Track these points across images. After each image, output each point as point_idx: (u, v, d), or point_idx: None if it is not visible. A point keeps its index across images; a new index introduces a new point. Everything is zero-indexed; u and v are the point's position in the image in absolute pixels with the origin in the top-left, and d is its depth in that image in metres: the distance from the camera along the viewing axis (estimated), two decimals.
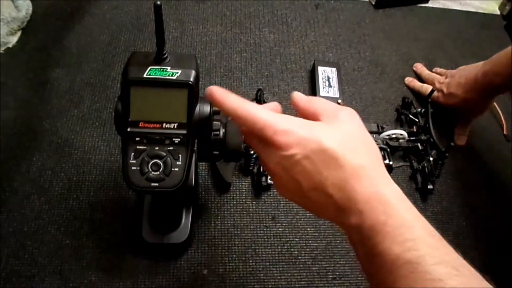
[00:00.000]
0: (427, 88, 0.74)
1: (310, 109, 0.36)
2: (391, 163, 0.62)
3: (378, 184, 0.31)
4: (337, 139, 0.32)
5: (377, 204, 0.30)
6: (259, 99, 0.66)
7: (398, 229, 0.29)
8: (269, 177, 0.60)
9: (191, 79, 0.39)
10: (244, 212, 0.60)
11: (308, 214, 0.61)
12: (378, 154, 0.34)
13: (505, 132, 0.75)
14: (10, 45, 0.72)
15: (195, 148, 0.47)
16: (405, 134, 0.67)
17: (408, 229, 0.29)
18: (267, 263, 0.56)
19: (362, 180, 0.31)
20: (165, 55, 0.39)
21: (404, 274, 0.28)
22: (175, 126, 0.40)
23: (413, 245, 0.29)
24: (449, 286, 0.27)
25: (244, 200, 0.61)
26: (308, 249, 0.58)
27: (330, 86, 0.72)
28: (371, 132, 0.68)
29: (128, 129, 0.40)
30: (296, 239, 0.58)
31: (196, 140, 0.46)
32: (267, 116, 0.33)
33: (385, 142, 0.66)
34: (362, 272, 0.40)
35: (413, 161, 0.67)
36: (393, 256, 0.29)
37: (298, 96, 0.37)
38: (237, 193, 0.61)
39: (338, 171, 0.31)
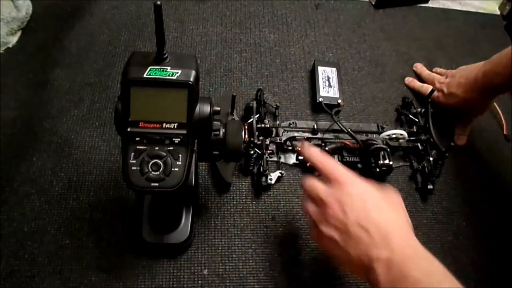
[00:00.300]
0: (427, 88, 0.74)
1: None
2: (391, 163, 0.62)
3: (408, 236, 0.42)
4: (384, 196, 0.44)
5: (406, 245, 0.41)
6: (259, 99, 0.66)
7: (422, 261, 0.39)
8: (269, 178, 0.60)
9: (191, 79, 0.39)
10: (244, 212, 0.60)
11: None
12: (411, 224, 0.44)
13: (505, 132, 0.75)
14: (10, 45, 0.72)
15: (195, 148, 0.47)
16: (405, 134, 0.67)
17: (430, 263, 0.39)
18: (267, 263, 0.56)
19: (397, 229, 0.42)
20: (165, 55, 0.39)
21: None
22: (175, 126, 0.40)
23: (433, 274, 0.38)
24: None
25: (244, 200, 0.61)
26: (308, 249, 0.58)
27: (330, 86, 0.72)
28: (372, 132, 0.69)
29: (128, 129, 0.40)
30: (296, 239, 0.58)
31: (196, 140, 0.46)
32: (339, 165, 0.47)
33: (385, 142, 0.66)
34: None
35: (413, 161, 0.67)
36: (415, 279, 0.37)
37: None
38: (237, 193, 0.61)
39: (381, 215, 0.42)
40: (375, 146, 0.63)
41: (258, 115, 0.64)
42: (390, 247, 0.40)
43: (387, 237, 0.40)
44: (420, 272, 0.38)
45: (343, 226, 0.42)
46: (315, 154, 0.49)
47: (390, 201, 0.44)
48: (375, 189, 0.44)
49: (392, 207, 0.44)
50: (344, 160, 0.65)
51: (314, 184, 0.47)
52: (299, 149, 0.51)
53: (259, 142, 0.61)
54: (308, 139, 0.65)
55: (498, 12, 0.96)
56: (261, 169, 0.60)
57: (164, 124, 0.40)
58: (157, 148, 0.40)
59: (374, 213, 0.42)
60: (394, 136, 0.67)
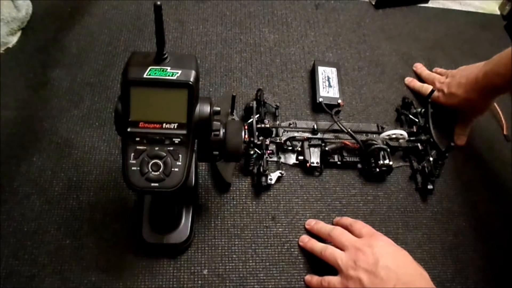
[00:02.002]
0: (427, 88, 0.74)
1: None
2: (391, 163, 0.62)
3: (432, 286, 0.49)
4: (412, 259, 0.52)
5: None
6: (259, 99, 0.66)
7: None
8: (269, 178, 0.60)
9: (191, 79, 0.39)
10: (244, 212, 0.60)
11: (308, 214, 0.61)
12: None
13: (505, 132, 0.75)
14: (10, 45, 0.72)
15: (195, 148, 0.47)
16: (405, 134, 0.67)
17: None
18: (267, 263, 0.56)
19: (423, 281, 0.49)
20: (165, 55, 0.39)
21: None
22: (175, 126, 0.40)
23: None
24: None
25: (244, 200, 0.61)
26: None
27: (330, 86, 0.72)
28: (372, 132, 0.69)
29: (128, 129, 0.40)
30: (296, 239, 0.58)
31: (196, 140, 0.46)
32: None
33: (385, 142, 0.66)
34: None
35: (413, 161, 0.67)
36: None
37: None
38: (237, 193, 0.61)
39: (410, 265, 0.50)
40: (375, 146, 0.63)
41: (258, 115, 0.64)
42: (414, 283, 0.47)
43: (413, 279, 0.47)
44: None
45: (373, 268, 0.47)
46: (345, 219, 0.58)
47: (414, 262, 0.51)
48: (401, 248, 0.52)
49: (418, 265, 0.51)
50: (344, 160, 0.65)
51: (345, 231, 0.54)
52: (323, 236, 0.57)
53: (259, 142, 0.61)
54: (308, 139, 0.65)
55: (498, 12, 0.96)
56: (261, 169, 0.60)
57: (164, 124, 0.40)
58: (157, 148, 0.40)
59: (402, 260, 0.50)
60: (394, 136, 0.67)
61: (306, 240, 0.57)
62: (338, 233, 0.54)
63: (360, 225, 0.55)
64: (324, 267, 0.54)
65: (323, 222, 0.58)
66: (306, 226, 0.59)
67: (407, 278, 0.47)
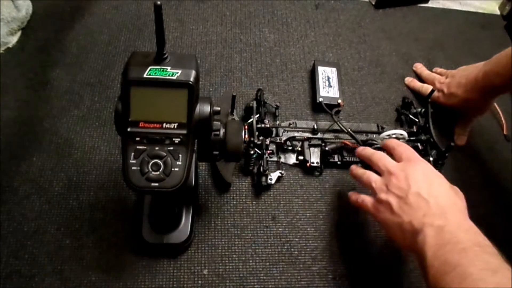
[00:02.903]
0: (427, 88, 0.74)
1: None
2: None
3: (465, 216, 0.45)
4: (447, 183, 0.49)
5: (462, 221, 0.44)
6: (259, 99, 0.66)
7: (475, 234, 0.42)
8: (269, 178, 0.60)
9: (191, 79, 0.39)
10: (244, 212, 0.60)
11: (308, 214, 0.61)
12: (466, 208, 0.48)
13: (505, 132, 0.75)
14: (10, 45, 0.72)
15: (195, 148, 0.47)
16: (405, 134, 0.67)
17: (482, 238, 0.42)
18: (267, 263, 0.56)
19: (456, 208, 0.45)
20: (165, 55, 0.39)
21: (470, 256, 0.38)
22: (175, 126, 0.40)
23: (483, 246, 0.40)
24: (503, 274, 0.37)
25: (244, 200, 0.61)
26: (308, 249, 0.58)
27: (330, 86, 0.72)
28: (372, 132, 0.69)
29: (128, 129, 0.40)
30: (296, 239, 0.58)
31: (196, 140, 0.46)
32: (408, 147, 0.55)
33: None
34: (362, 272, 0.52)
35: None
36: (466, 246, 0.39)
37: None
38: (237, 193, 0.61)
39: (443, 192, 0.47)
40: (375, 146, 0.63)
41: (258, 115, 0.64)
42: (445, 218, 0.43)
43: (444, 211, 0.44)
44: (470, 240, 0.40)
45: (403, 194, 0.46)
46: (389, 142, 0.56)
47: (453, 187, 0.49)
48: (439, 173, 0.49)
49: (454, 192, 0.48)
50: (344, 160, 0.65)
51: (384, 156, 0.53)
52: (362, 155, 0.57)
53: (259, 142, 0.61)
54: (308, 139, 0.65)
55: (498, 12, 0.96)
56: (261, 169, 0.60)
57: (164, 124, 0.40)
58: (157, 148, 0.40)
59: (436, 190, 0.46)
60: (394, 136, 0.67)
61: (354, 167, 0.57)
62: (377, 157, 0.53)
63: (402, 149, 0.53)
64: (327, 267, 0.54)
65: (369, 148, 0.58)
66: (356, 153, 0.60)
67: (437, 210, 0.44)
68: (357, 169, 0.56)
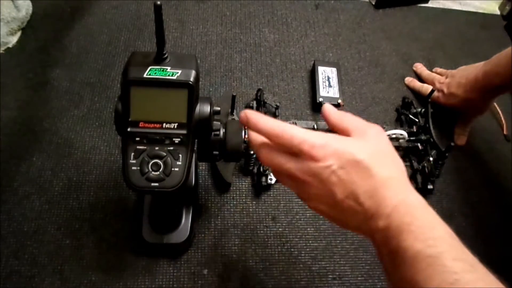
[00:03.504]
0: (427, 88, 0.74)
1: (341, 125, 0.39)
2: None
3: (404, 192, 0.36)
4: (368, 153, 0.36)
5: (404, 209, 0.34)
6: (259, 99, 0.66)
7: (421, 229, 0.33)
8: (269, 178, 0.60)
9: (191, 79, 0.39)
10: (244, 212, 0.60)
11: (308, 214, 0.61)
12: (403, 168, 0.38)
13: (505, 132, 0.75)
14: (10, 45, 0.72)
15: (195, 148, 0.47)
16: (405, 134, 0.67)
17: (430, 229, 0.34)
18: (267, 263, 0.56)
19: (390, 189, 0.35)
20: (165, 55, 0.39)
21: (424, 267, 0.31)
22: (175, 126, 0.40)
23: (434, 243, 0.32)
24: (464, 279, 0.31)
25: (244, 200, 0.61)
26: (308, 249, 0.58)
27: (330, 86, 0.72)
28: None
29: (128, 129, 0.40)
30: (296, 239, 0.58)
31: (196, 140, 0.46)
32: (303, 133, 0.37)
33: None
34: (362, 272, 0.50)
35: (413, 161, 0.67)
36: (415, 251, 0.32)
37: (330, 110, 0.40)
38: (237, 193, 0.61)
39: (370, 180, 0.35)
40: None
41: None
42: (386, 213, 0.34)
43: (382, 204, 0.35)
44: (418, 240, 0.33)
45: (332, 202, 0.37)
46: (263, 121, 0.38)
47: (374, 154, 0.36)
48: (354, 147, 0.36)
49: (379, 161, 0.36)
50: None
51: (279, 160, 0.38)
52: (241, 120, 0.39)
53: None
54: None
55: (498, 12, 0.96)
56: (261, 169, 0.60)
57: (164, 124, 0.40)
58: (157, 148, 0.40)
59: (361, 181, 0.35)
60: (394, 136, 0.67)
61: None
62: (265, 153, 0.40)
63: (288, 141, 0.38)
64: (327, 267, 0.54)
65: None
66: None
67: (374, 208, 0.35)
68: (271, 158, 0.40)
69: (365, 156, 0.36)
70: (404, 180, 0.37)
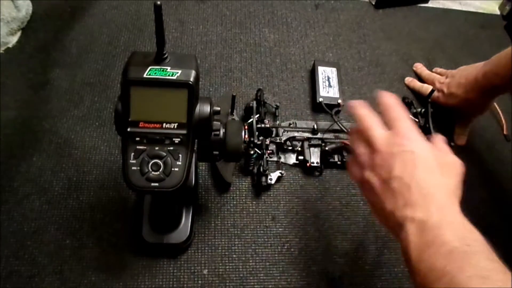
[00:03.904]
0: (427, 88, 0.74)
1: (439, 145, 0.44)
2: None
3: (451, 203, 0.39)
4: (440, 161, 0.41)
5: (446, 211, 0.37)
6: (259, 99, 0.66)
7: (460, 230, 0.36)
8: (269, 178, 0.60)
9: (191, 79, 0.39)
10: (244, 212, 0.60)
11: (308, 214, 0.61)
12: (460, 193, 0.41)
13: (505, 132, 0.75)
14: (10, 45, 0.72)
15: (195, 148, 0.47)
16: None
17: (469, 232, 0.36)
18: (267, 263, 0.56)
19: (442, 194, 0.38)
20: (165, 55, 0.39)
21: (458, 260, 0.34)
22: (175, 126, 0.40)
23: (471, 243, 0.35)
24: (495, 277, 0.32)
25: (244, 200, 0.61)
26: (308, 249, 0.58)
27: (330, 86, 0.72)
28: None
29: (128, 129, 0.40)
30: (296, 239, 0.58)
31: (196, 140, 0.46)
32: (407, 116, 0.44)
33: None
34: (362, 272, 0.51)
35: None
36: (452, 246, 0.34)
37: (439, 139, 0.45)
38: (237, 193, 0.61)
39: (429, 177, 0.39)
40: None
41: (258, 115, 0.64)
42: (427, 209, 0.37)
43: (427, 199, 0.38)
44: (456, 238, 0.35)
45: (386, 177, 0.40)
46: (386, 97, 0.46)
47: (444, 164, 0.41)
48: (432, 149, 0.42)
49: (444, 170, 0.40)
50: (344, 160, 0.65)
51: (371, 124, 0.44)
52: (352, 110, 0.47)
53: (259, 142, 0.61)
54: (308, 139, 0.65)
55: (498, 12, 0.96)
56: (261, 169, 0.60)
57: (164, 124, 0.40)
58: (157, 148, 0.40)
59: (421, 173, 0.39)
60: None
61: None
62: (365, 126, 0.45)
63: (395, 115, 0.45)
64: (327, 268, 0.54)
65: (364, 107, 0.48)
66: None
67: (419, 198, 0.39)
68: (355, 128, 0.47)
69: (436, 160, 0.40)
70: (456, 199, 0.40)
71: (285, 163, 0.65)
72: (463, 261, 0.34)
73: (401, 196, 0.39)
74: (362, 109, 0.46)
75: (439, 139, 0.45)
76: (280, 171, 0.63)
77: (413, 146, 0.41)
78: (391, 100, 0.46)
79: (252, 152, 0.60)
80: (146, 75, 0.38)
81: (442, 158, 0.41)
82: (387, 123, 0.44)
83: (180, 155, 0.40)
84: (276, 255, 0.57)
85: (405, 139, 0.41)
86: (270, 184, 0.61)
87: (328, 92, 0.71)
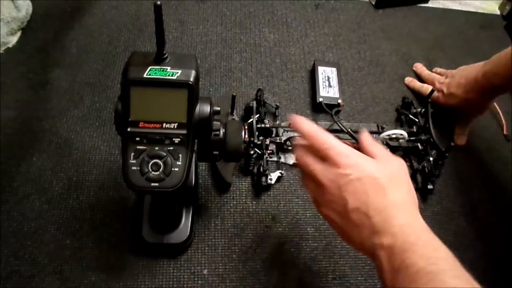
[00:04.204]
0: (427, 88, 0.74)
1: (370, 148, 0.43)
2: None
3: (411, 217, 0.39)
4: (386, 175, 0.40)
5: (409, 230, 0.37)
6: (259, 99, 0.66)
7: (424, 249, 0.36)
8: (269, 178, 0.60)
9: (191, 79, 0.39)
10: (244, 212, 0.60)
11: (308, 214, 0.61)
12: (416, 199, 0.41)
13: (505, 132, 0.75)
14: (10, 45, 0.72)
15: (195, 148, 0.47)
16: (405, 134, 0.67)
17: (433, 250, 0.36)
18: (267, 263, 0.56)
19: (399, 211, 0.38)
20: (165, 55, 0.39)
21: (425, 282, 0.33)
22: (175, 126, 0.40)
23: (436, 261, 0.35)
24: None
25: (244, 200, 0.61)
26: (308, 249, 0.58)
27: (330, 86, 0.72)
28: (371, 132, 0.69)
29: (128, 129, 0.40)
30: (296, 239, 0.58)
31: (196, 140, 0.46)
32: (334, 141, 0.42)
33: (385, 142, 0.66)
34: (362, 272, 0.52)
35: (413, 161, 0.67)
36: (418, 268, 0.34)
37: (366, 136, 0.44)
38: (237, 193, 0.61)
39: (382, 198, 0.38)
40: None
41: (258, 115, 0.64)
42: (391, 233, 0.37)
43: (388, 222, 0.38)
44: (421, 259, 0.35)
45: (343, 210, 0.39)
46: (305, 124, 0.43)
47: (390, 176, 0.40)
48: (375, 166, 0.40)
49: (393, 184, 0.40)
50: None
51: (308, 160, 0.42)
52: (290, 122, 0.49)
53: (259, 142, 0.61)
54: None
55: (498, 12, 0.96)
56: (261, 169, 0.60)
57: (164, 124, 0.40)
58: (157, 148, 0.40)
59: (374, 198, 0.39)
60: (394, 136, 0.67)
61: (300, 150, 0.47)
62: (300, 157, 0.44)
63: (321, 145, 0.43)
64: (328, 267, 0.54)
65: (304, 124, 0.45)
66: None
67: (382, 224, 0.38)
68: (303, 157, 0.44)
69: (382, 176, 0.39)
70: (414, 208, 0.40)
71: (285, 163, 0.65)
72: (430, 283, 0.34)
73: (363, 226, 0.38)
74: (297, 147, 0.45)
75: (365, 137, 0.44)
76: (280, 171, 0.63)
77: (356, 172, 0.39)
78: (305, 124, 0.43)
79: (252, 152, 0.60)
80: (146, 75, 0.38)
81: (386, 171, 0.40)
82: (316, 152, 0.42)
83: (180, 155, 0.40)
84: (276, 255, 0.57)
85: (346, 168, 0.40)
86: (270, 184, 0.61)
87: (328, 92, 0.71)
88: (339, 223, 0.40)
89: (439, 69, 0.79)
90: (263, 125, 0.63)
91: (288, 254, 0.57)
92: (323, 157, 0.41)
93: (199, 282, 0.53)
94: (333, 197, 0.40)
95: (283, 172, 0.63)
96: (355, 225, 0.39)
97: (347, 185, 0.39)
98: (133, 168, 0.40)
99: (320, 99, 0.70)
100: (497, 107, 0.76)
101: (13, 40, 0.73)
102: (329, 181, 0.40)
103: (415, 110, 0.71)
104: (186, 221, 0.54)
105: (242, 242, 0.57)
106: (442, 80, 0.73)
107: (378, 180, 0.39)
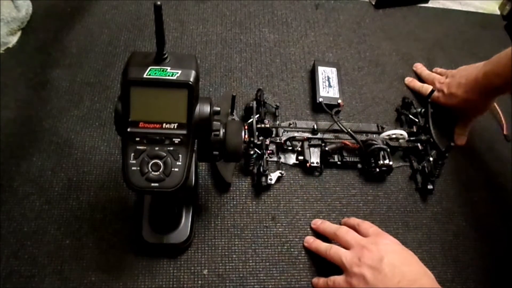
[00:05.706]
0: (427, 88, 0.74)
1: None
2: (391, 163, 0.62)
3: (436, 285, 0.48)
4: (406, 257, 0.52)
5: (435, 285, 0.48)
6: (259, 99, 0.66)
7: None
8: (269, 178, 0.60)
9: (191, 79, 0.39)
10: (244, 212, 0.60)
11: (308, 214, 0.61)
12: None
13: (505, 132, 0.75)
14: (10, 45, 0.72)
15: (195, 148, 0.47)
16: (405, 134, 0.67)
17: None
18: (267, 263, 0.56)
19: (426, 274, 0.49)
20: (165, 55, 0.39)
21: None
22: (175, 126, 0.40)
23: None
24: None
25: (244, 200, 0.61)
26: (308, 249, 0.58)
27: (330, 86, 0.72)
28: (372, 132, 0.69)
29: (128, 129, 0.40)
30: (296, 239, 0.58)
31: (196, 140, 0.46)
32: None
33: (385, 142, 0.66)
34: None
35: (413, 161, 0.67)
36: None
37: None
38: (237, 193, 0.61)
39: (413, 260, 0.51)
40: (375, 146, 0.63)
41: (258, 115, 0.64)
42: (420, 284, 0.46)
43: (418, 277, 0.47)
44: None
45: (377, 264, 0.47)
46: (351, 220, 0.58)
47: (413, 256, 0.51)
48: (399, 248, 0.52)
49: (417, 260, 0.50)
50: (344, 160, 0.65)
51: (350, 230, 0.54)
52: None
53: (259, 142, 0.61)
54: (308, 139, 0.65)
55: (498, 12, 0.96)
56: (261, 169, 0.60)
57: (164, 124, 0.40)
58: (157, 148, 0.40)
59: (408, 260, 0.49)
60: (394, 136, 0.67)
61: (311, 241, 0.57)
62: (343, 231, 0.54)
63: (367, 225, 0.55)
64: (328, 267, 0.54)
65: (329, 222, 0.58)
66: (312, 226, 0.59)
67: (412, 276, 0.47)
68: (319, 245, 0.56)
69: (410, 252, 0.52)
70: (434, 281, 0.48)
71: (285, 163, 0.65)
72: None
73: (394, 277, 0.47)
74: (329, 224, 0.58)
75: (373, 230, 0.55)
76: (280, 171, 0.63)
77: (394, 241, 0.52)
78: (355, 220, 0.58)
79: (252, 152, 0.60)
80: (146, 75, 0.38)
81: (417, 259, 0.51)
82: (362, 234, 0.54)
83: (180, 155, 0.40)
84: (276, 255, 0.57)
85: (386, 237, 0.53)
86: (270, 184, 0.61)
87: (328, 92, 0.71)
88: (368, 275, 0.47)
89: (439, 69, 0.79)
90: (263, 125, 0.63)
91: (288, 254, 0.57)
92: (364, 234, 0.54)
93: (199, 282, 0.53)
94: (372, 254, 0.49)
95: (283, 172, 0.63)
96: (386, 276, 0.47)
97: (385, 246, 0.51)
98: (133, 168, 0.40)
99: (320, 99, 0.70)
100: (497, 107, 0.76)
101: (13, 40, 0.73)
102: (370, 243, 0.51)
103: (415, 110, 0.71)
104: (186, 221, 0.54)
105: (242, 242, 0.57)
106: (442, 80, 0.73)
107: (410, 252, 0.52)
